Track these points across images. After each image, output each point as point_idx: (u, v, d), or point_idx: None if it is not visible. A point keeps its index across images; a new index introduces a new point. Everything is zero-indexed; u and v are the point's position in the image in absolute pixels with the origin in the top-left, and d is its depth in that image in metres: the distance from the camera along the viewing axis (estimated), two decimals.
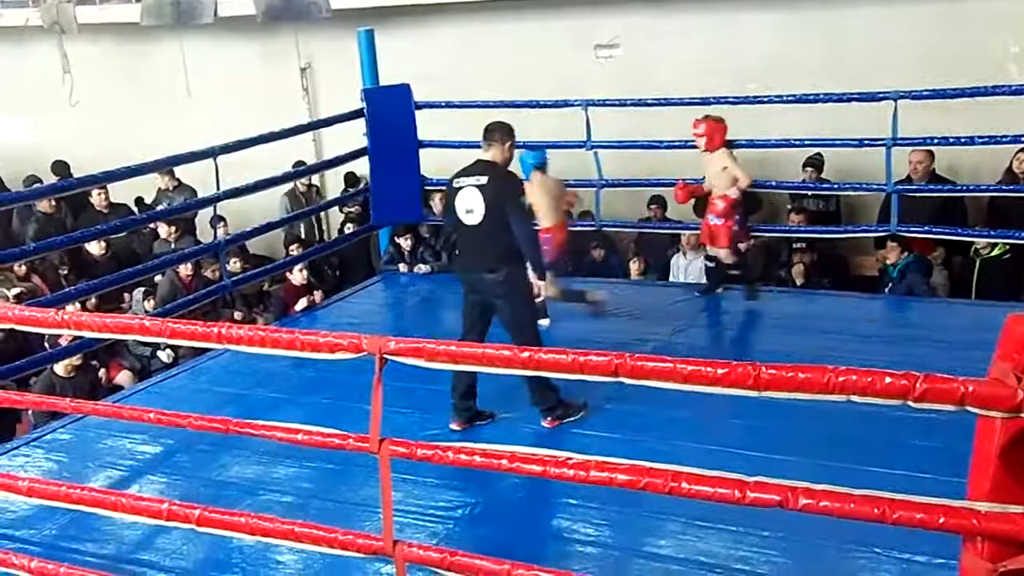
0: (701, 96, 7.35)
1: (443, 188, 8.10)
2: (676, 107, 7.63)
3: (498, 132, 5.00)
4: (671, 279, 8.23)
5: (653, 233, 8.56)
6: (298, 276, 7.71)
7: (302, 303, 7.43)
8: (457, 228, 5.03)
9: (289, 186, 9.60)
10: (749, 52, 8.63)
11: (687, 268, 8.16)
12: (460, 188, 4.91)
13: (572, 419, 5.03)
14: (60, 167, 10.96)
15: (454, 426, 5.05)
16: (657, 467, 2.41)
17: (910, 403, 2.13)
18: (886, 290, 7.20)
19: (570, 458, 2.56)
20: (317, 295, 7.61)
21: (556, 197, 6.41)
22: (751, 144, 7.32)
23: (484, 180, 4.85)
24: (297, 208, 9.58)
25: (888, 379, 2.13)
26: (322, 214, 10.45)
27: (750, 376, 2.23)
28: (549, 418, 5.02)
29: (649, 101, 7.57)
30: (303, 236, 9.67)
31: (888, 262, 7.24)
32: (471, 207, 4.87)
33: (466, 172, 4.96)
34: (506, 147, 5.00)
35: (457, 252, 5.19)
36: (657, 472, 2.41)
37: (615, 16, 9.16)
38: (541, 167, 6.37)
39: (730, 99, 7.26)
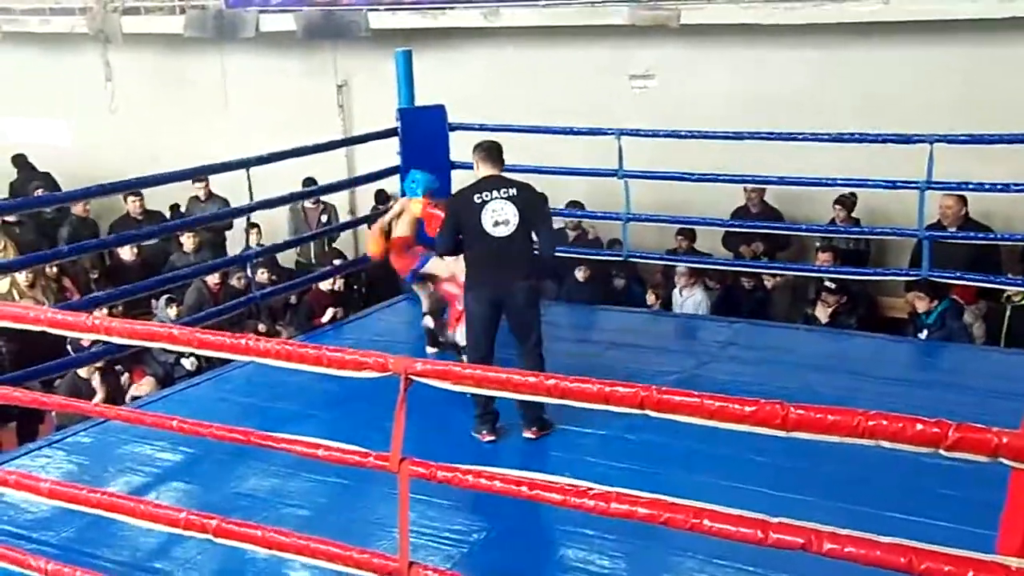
0: (735, 131, 7.36)
1: None
2: (709, 140, 7.67)
3: (502, 151, 5.24)
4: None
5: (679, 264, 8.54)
6: (326, 283, 7.74)
7: (329, 313, 7.46)
8: (477, 243, 5.07)
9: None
10: (782, 88, 8.63)
11: (683, 304, 8.14)
12: (487, 202, 5.01)
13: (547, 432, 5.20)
14: (20, 159, 11.32)
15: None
16: (679, 502, 2.39)
17: (941, 451, 2.10)
18: (922, 335, 7.08)
19: (591, 488, 2.55)
20: (340, 311, 7.65)
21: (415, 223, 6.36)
22: (782, 181, 7.31)
23: (515, 192, 5.04)
24: (299, 224, 9.65)
25: (920, 426, 2.10)
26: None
27: (778, 416, 2.21)
28: (533, 428, 5.17)
29: (683, 133, 7.58)
30: (312, 258, 9.71)
31: (919, 310, 7.14)
32: (503, 219, 5.00)
33: (485, 188, 5.08)
34: (503, 167, 5.25)
35: (480, 268, 5.15)
36: (679, 507, 2.38)
37: (650, 47, 9.19)
38: (431, 192, 6.36)
39: (763, 134, 7.25)
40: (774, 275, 8.13)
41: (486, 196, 5.03)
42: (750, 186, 8.25)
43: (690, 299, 8.05)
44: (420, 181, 6.34)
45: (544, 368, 4.99)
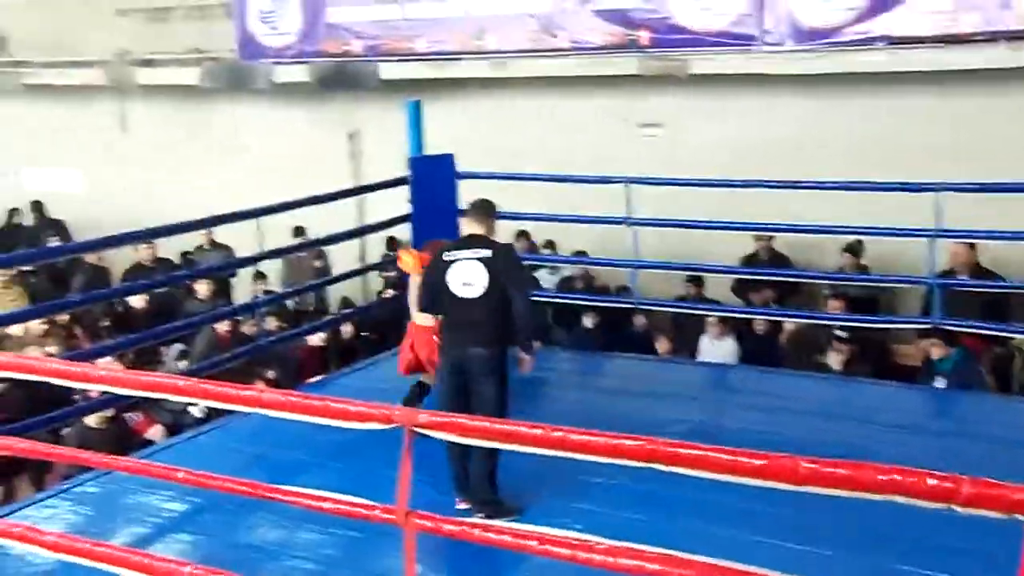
0: (743, 179, 7.39)
1: None
2: (717, 188, 7.69)
3: (489, 209, 5.03)
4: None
5: (688, 312, 8.51)
6: (316, 338, 7.68)
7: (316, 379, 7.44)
8: (445, 303, 4.87)
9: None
10: (790, 136, 8.67)
11: (713, 352, 8.08)
12: (454, 261, 4.82)
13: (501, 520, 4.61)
14: (37, 206, 11.66)
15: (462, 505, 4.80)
16: (691, 558, 2.35)
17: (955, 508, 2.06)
18: (938, 383, 7.00)
19: (599, 543, 2.51)
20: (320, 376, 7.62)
21: None
22: (792, 228, 7.31)
23: (488, 253, 4.81)
24: (292, 273, 9.69)
25: (932, 480, 2.06)
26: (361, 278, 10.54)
27: (789, 470, 2.18)
28: (481, 514, 4.63)
29: (692, 181, 7.61)
30: (312, 306, 9.75)
31: (933, 357, 7.07)
32: (470, 280, 4.77)
33: (458, 247, 4.92)
34: (493, 225, 5.02)
35: (446, 330, 4.96)
36: (691, 564, 2.34)
37: (656, 95, 9.26)
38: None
39: (771, 182, 7.27)
40: (787, 322, 8.08)
41: (457, 255, 4.85)
42: (760, 233, 8.24)
43: (721, 347, 7.99)
44: None
45: (495, 459, 4.67)
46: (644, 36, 8.95)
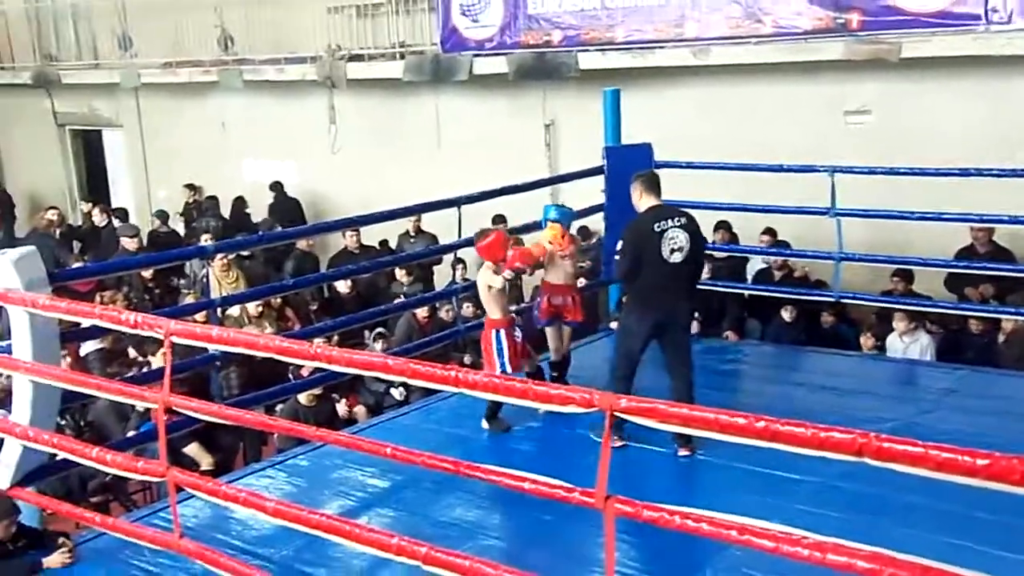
0: (960, 167, 6.96)
1: None
2: (929, 177, 7.28)
3: (660, 182, 5.57)
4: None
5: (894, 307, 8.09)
6: None
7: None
8: (652, 269, 5.32)
9: None
10: (1015, 123, 8.07)
11: (905, 351, 7.63)
12: (665, 230, 5.30)
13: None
14: (277, 186, 12.57)
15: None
16: (906, 559, 2.25)
17: None
18: None
19: (805, 537, 2.44)
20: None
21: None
22: (1015, 220, 6.83)
23: (685, 221, 5.38)
24: None
25: None
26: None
27: (1017, 471, 2.04)
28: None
29: (902, 170, 7.23)
30: None
31: None
32: (679, 246, 5.32)
33: (660, 217, 5.36)
34: None
35: (651, 292, 5.40)
36: (905, 564, 2.24)
37: (869, 80, 8.84)
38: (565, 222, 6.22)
39: (995, 171, 6.81)
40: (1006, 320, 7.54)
41: (664, 224, 5.31)
42: (977, 225, 7.73)
43: (914, 344, 7.57)
44: (564, 213, 6.27)
45: (694, 390, 5.40)
46: (854, 19, 8.55)
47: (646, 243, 5.31)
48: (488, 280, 5.80)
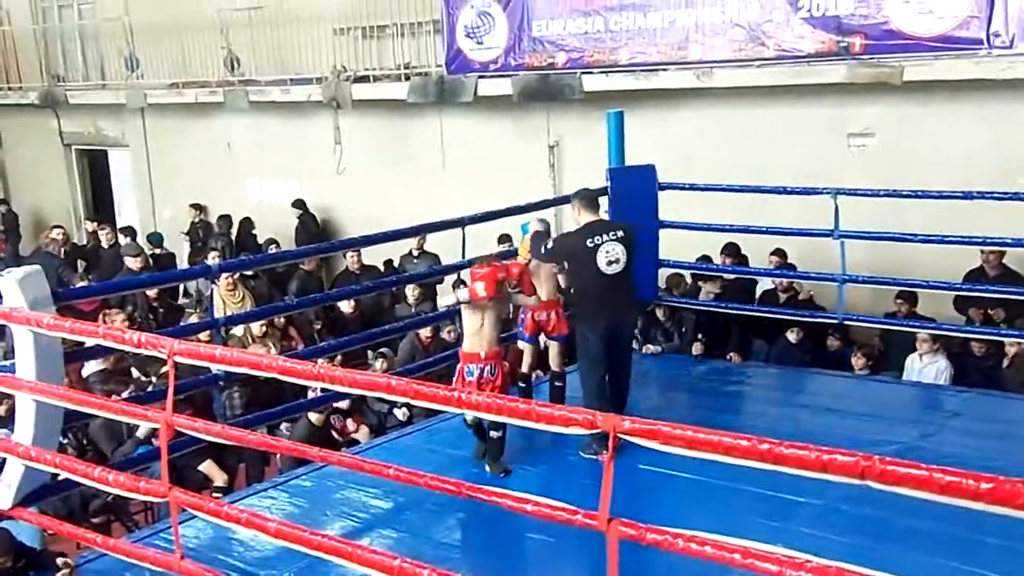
0: (962, 191, 6.97)
1: (678, 272, 8.32)
2: (934, 201, 7.29)
3: (598, 198, 6.06)
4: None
5: (898, 330, 8.07)
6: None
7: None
8: (592, 280, 5.69)
9: None
10: (1021, 143, 8.09)
11: (921, 371, 7.60)
12: (599, 244, 5.66)
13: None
14: (300, 203, 12.57)
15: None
16: None
17: None
18: None
19: (808, 561, 2.43)
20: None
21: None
22: (1018, 243, 6.83)
23: (622, 234, 5.74)
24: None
25: None
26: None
27: (1021, 496, 2.04)
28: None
29: (904, 193, 7.25)
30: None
31: None
32: (615, 258, 5.68)
33: (594, 232, 5.71)
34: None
35: (595, 301, 5.74)
36: None
37: (871, 104, 8.87)
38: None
39: (996, 195, 6.82)
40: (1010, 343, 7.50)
41: (599, 239, 5.67)
42: (988, 248, 7.70)
43: (932, 366, 7.54)
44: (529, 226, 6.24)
45: (627, 392, 5.86)
46: (857, 43, 8.59)
47: (579, 256, 5.71)
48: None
